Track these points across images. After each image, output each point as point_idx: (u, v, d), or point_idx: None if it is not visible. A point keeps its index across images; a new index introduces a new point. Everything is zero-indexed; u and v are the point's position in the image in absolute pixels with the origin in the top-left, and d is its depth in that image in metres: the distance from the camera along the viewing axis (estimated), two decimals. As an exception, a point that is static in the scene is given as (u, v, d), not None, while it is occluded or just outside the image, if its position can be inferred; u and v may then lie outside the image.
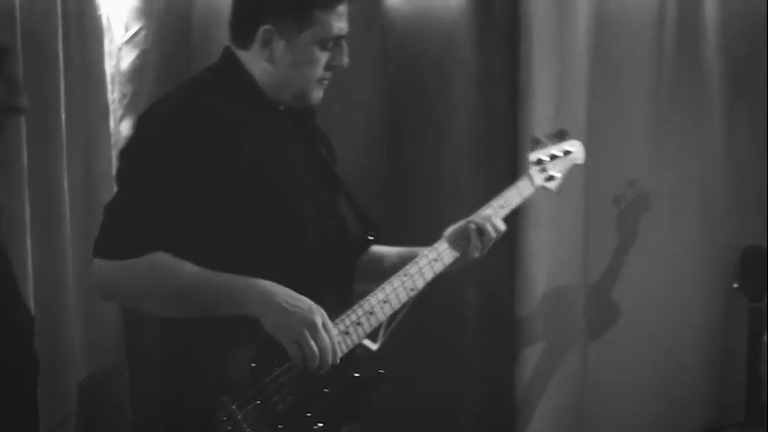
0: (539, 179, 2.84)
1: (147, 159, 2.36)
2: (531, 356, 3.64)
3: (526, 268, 3.62)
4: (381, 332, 2.52)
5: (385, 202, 3.51)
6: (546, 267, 3.62)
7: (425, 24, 3.58)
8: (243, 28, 2.46)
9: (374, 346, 2.50)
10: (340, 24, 2.46)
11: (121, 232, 2.33)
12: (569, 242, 3.64)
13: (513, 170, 3.39)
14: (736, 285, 3.51)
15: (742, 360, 3.48)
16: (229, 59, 2.48)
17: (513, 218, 3.57)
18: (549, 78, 3.58)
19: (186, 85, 2.49)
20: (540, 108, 3.57)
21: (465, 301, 3.63)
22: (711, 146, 3.64)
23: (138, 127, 2.48)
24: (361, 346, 2.49)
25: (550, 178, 2.85)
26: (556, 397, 3.65)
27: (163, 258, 2.31)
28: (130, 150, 2.42)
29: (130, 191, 2.37)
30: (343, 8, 2.46)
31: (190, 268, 2.32)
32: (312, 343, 2.32)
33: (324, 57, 2.45)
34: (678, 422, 3.62)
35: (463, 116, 3.58)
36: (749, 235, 3.56)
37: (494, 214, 2.70)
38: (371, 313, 2.47)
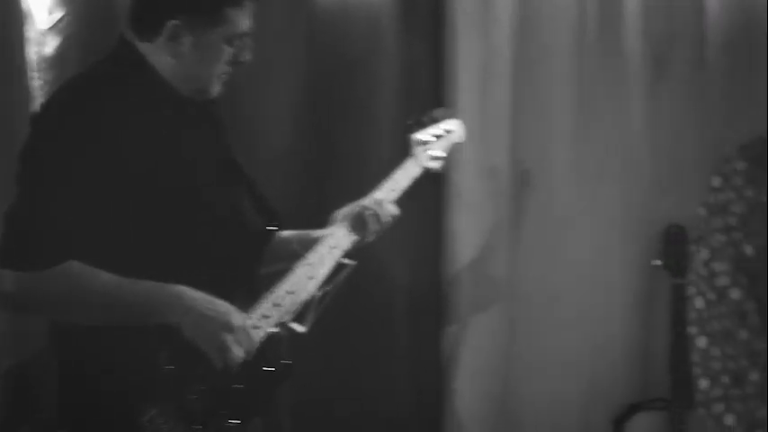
0: (424, 159, 2.88)
1: (49, 161, 2.29)
2: (459, 337, 3.68)
3: (453, 251, 3.66)
4: (310, 315, 2.53)
5: (310, 186, 3.53)
6: (472, 249, 3.66)
7: (351, 9, 3.60)
8: (148, 21, 2.41)
9: (302, 329, 2.51)
10: (248, 21, 2.44)
11: (29, 242, 2.26)
12: (495, 224, 3.68)
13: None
14: (658, 262, 3.57)
15: (665, 336, 3.54)
16: (129, 51, 2.43)
17: (439, 201, 3.65)
18: (474, 61, 3.63)
19: (83, 79, 2.42)
20: (465, 91, 3.61)
21: (392, 285, 3.65)
22: (634, 126, 3.70)
23: (36, 126, 2.38)
24: (288, 329, 2.49)
25: (434, 158, 2.90)
26: (483, 375, 3.69)
27: (77, 268, 2.25)
28: (30, 152, 2.33)
29: (34, 196, 2.28)
30: (250, 4, 2.44)
31: (106, 277, 2.27)
32: (232, 347, 2.31)
33: (229, 52, 2.43)
34: (603, 398, 3.67)
35: (388, 100, 3.61)
36: (671, 213, 3.61)
37: (385, 198, 2.73)
38: (278, 305, 2.46)
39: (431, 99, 3.60)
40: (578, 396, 3.69)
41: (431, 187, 3.48)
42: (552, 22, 3.67)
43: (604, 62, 3.69)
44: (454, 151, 3.07)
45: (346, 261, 2.64)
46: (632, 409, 3.57)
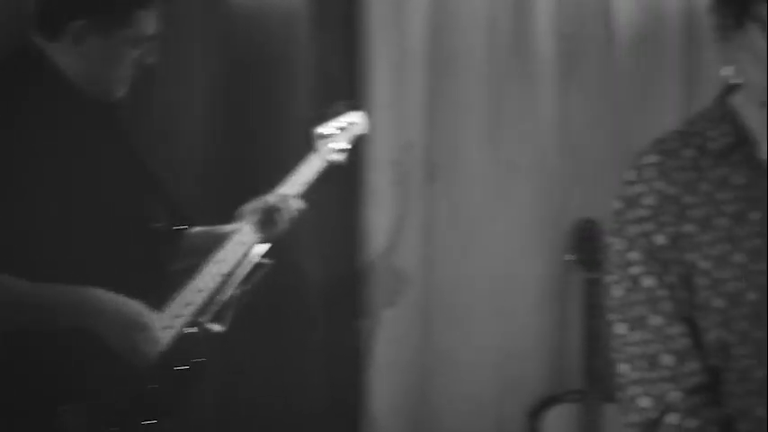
0: (328, 152, 2.92)
1: None
2: (373, 332, 3.70)
3: (366, 245, 3.68)
4: (227, 314, 2.52)
5: (224, 184, 3.52)
6: (386, 244, 3.68)
7: (265, 8, 3.60)
8: (53, 20, 2.38)
9: (219, 328, 2.51)
10: (155, 24, 2.44)
11: None
12: (408, 219, 3.70)
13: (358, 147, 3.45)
14: (570, 257, 3.63)
15: (579, 329, 3.60)
16: (32, 50, 2.39)
17: (353, 195, 3.67)
18: (387, 59, 3.65)
19: None
20: (379, 89, 3.64)
21: (306, 280, 3.66)
22: (546, 123, 3.74)
23: None
24: (205, 329, 2.49)
25: (337, 150, 2.95)
26: (398, 369, 3.70)
27: None
28: None
29: None
30: (159, 7, 2.45)
31: (17, 283, 2.25)
32: (145, 346, 2.32)
33: (134, 54, 2.43)
34: (519, 391, 3.70)
35: (302, 98, 3.62)
36: (584, 208, 3.67)
37: (290, 192, 2.76)
38: (189, 304, 2.47)
39: (345, 97, 3.61)
40: (494, 389, 3.72)
41: (345, 182, 3.50)
42: (465, 21, 3.70)
43: (516, 61, 3.73)
44: (359, 143, 3.12)
45: (263, 260, 2.65)
46: (547, 402, 3.62)
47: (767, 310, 1.69)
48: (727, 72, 1.74)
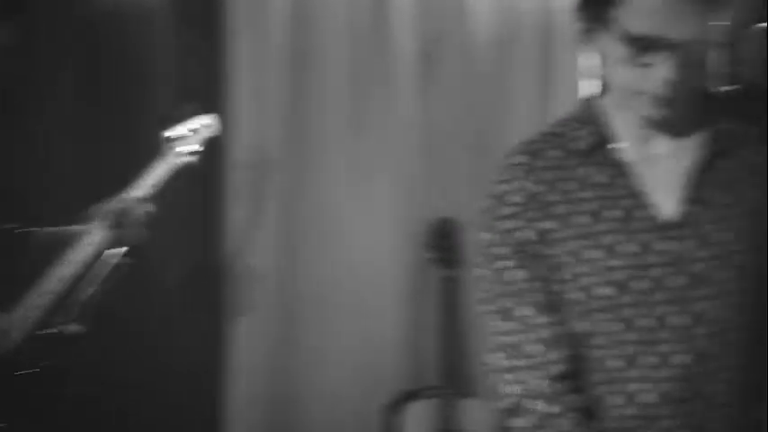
0: (178, 155, 2.96)
1: None
2: (235, 332, 3.69)
3: (227, 247, 3.67)
4: (84, 315, 2.50)
5: (78, 186, 3.46)
6: (247, 245, 3.68)
7: (127, 5, 3.57)
8: None
9: (76, 329, 2.48)
10: (7, 34, 2.45)
11: None
12: (269, 220, 3.71)
13: (217, 149, 3.44)
14: (427, 255, 3.69)
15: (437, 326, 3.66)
16: None
17: (215, 196, 3.65)
18: (248, 57, 3.66)
19: None
20: (240, 87, 3.64)
21: (167, 281, 3.64)
22: (405, 121, 3.78)
23: None
24: (62, 330, 2.46)
25: (188, 153, 2.99)
26: (259, 370, 3.70)
27: None
28: None
29: None
30: (11, 18, 2.43)
31: None
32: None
33: None
34: (380, 388, 3.74)
35: (163, 97, 3.59)
36: (444, 207, 3.73)
37: (139, 194, 2.79)
38: (37, 306, 2.45)
39: (205, 97, 3.60)
40: (353, 385, 3.74)
41: (204, 182, 3.49)
42: (325, 21, 3.73)
43: (376, 61, 3.77)
44: (211, 145, 3.12)
45: (120, 261, 2.64)
46: (405, 398, 3.66)
47: (621, 304, 1.77)
48: (590, 75, 1.81)
